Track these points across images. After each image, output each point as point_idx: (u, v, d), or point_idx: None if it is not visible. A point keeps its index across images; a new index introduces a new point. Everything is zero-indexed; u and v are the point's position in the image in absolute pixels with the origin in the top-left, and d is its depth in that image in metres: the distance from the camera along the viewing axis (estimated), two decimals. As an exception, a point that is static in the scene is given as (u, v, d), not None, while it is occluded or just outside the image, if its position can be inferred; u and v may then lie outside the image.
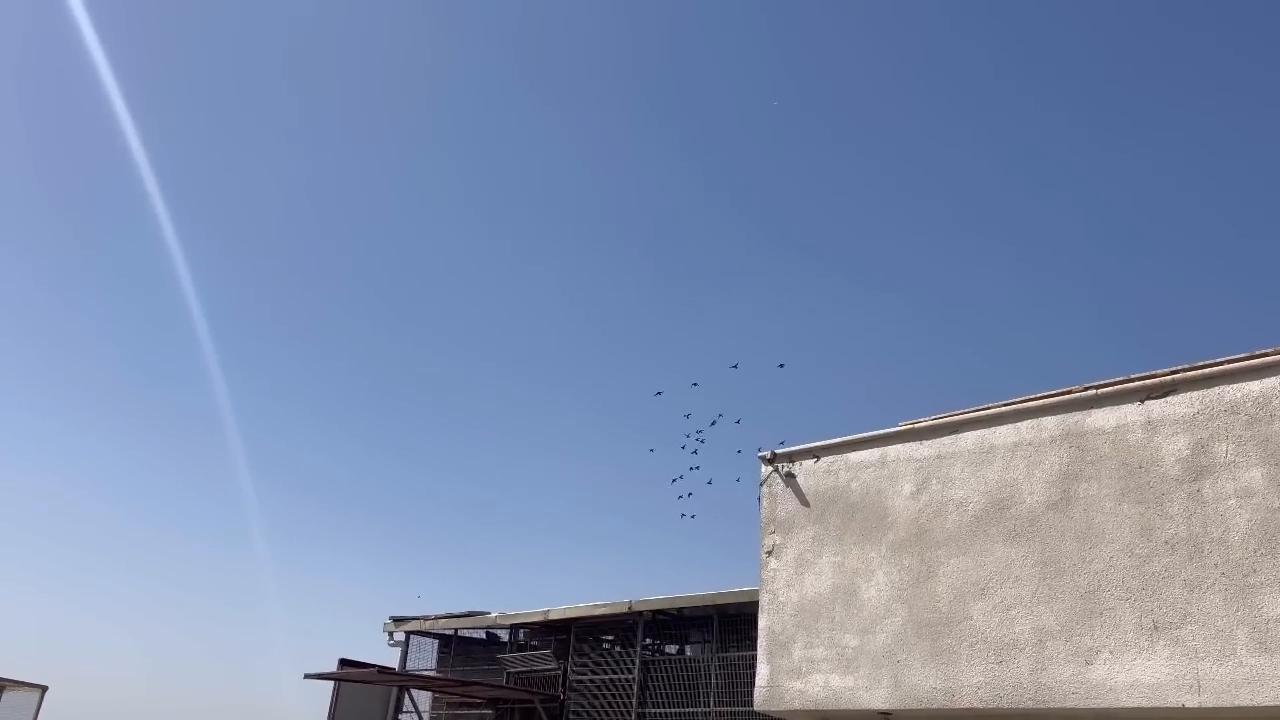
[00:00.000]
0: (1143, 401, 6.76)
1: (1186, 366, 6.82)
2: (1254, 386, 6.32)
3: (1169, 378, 6.74)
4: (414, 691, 18.14)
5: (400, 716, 19.44)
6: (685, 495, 18.55)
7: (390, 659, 19.42)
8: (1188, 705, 5.94)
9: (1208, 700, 5.87)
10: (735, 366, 22.11)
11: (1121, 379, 7.08)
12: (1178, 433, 6.52)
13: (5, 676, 21.07)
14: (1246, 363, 6.48)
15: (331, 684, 18.71)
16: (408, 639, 19.73)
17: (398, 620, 19.75)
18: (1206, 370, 6.62)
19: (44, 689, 20.93)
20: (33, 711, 20.69)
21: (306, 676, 16.67)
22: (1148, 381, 6.84)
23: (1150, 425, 6.65)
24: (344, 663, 16.67)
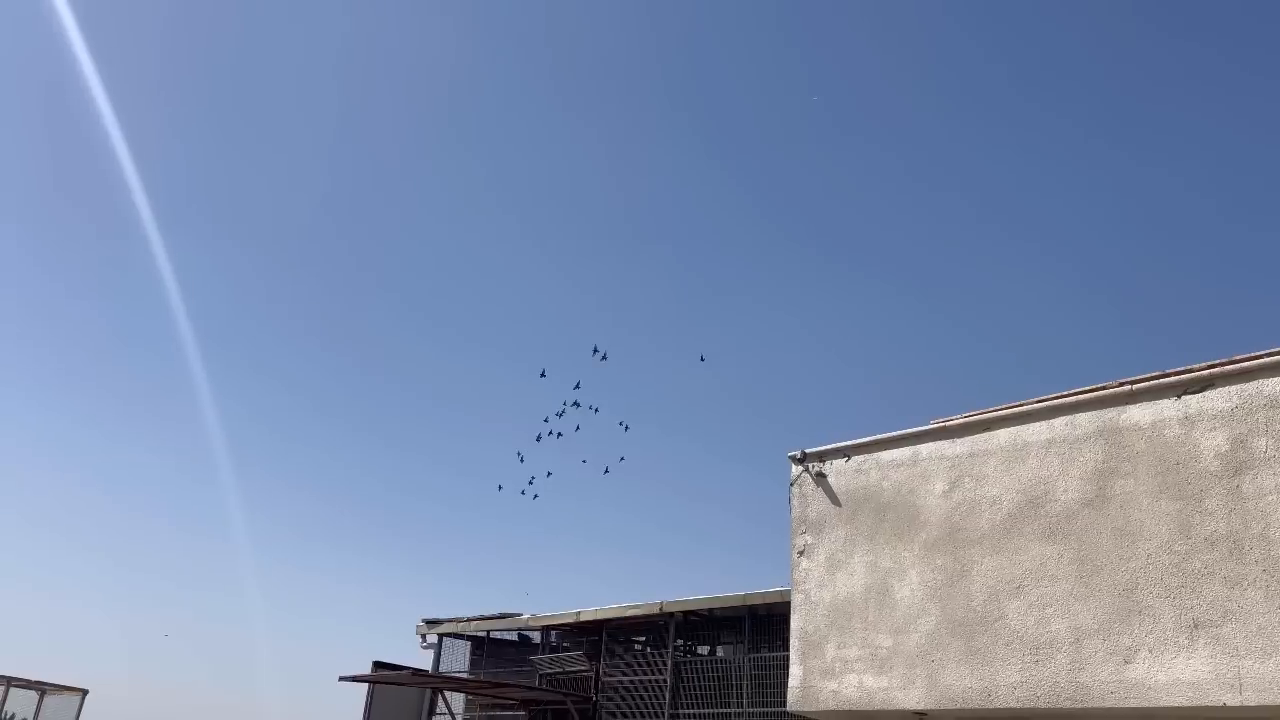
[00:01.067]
0: (1180, 396, 6.66)
1: (1224, 361, 6.71)
2: (1294, 380, 6.21)
3: (1206, 372, 6.64)
4: (447, 693, 18.23)
5: (434, 718, 19.55)
6: (530, 484, 18.93)
7: (423, 661, 19.54)
8: (1229, 704, 5.85)
9: (1250, 699, 5.77)
10: (600, 354, 19.86)
11: (1158, 374, 6.98)
12: (1216, 428, 6.42)
13: (47, 681, 21.42)
14: (1286, 356, 6.36)
15: (366, 686, 18.85)
16: (440, 641, 19.84)
17: (430, 622, 19.86)
18: (1245, 364, 6.51)
19: (84, 692, 21.24)
20: (74, 714, 21.00)
21: (341, 679, 16.80)
22: (1185, 376, 6.74)
23: (1188, 420, 6.56)
24: (378, 665, 16.79)
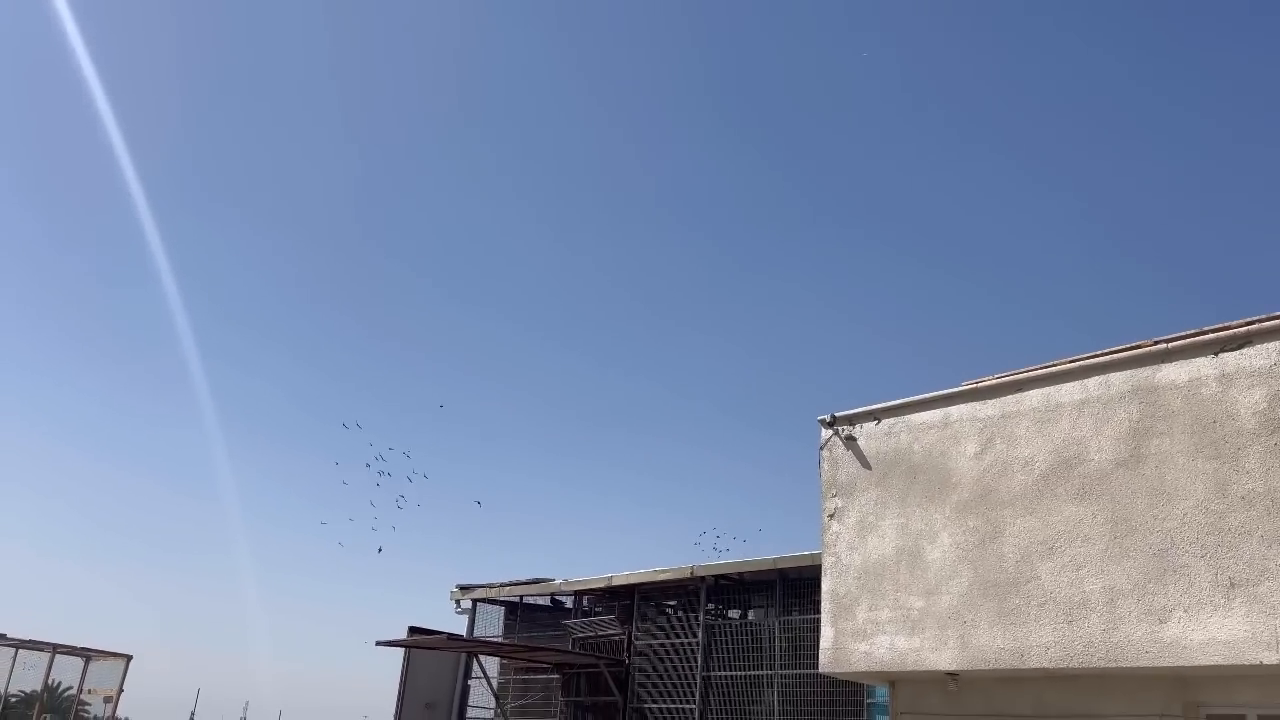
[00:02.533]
0: (1216, 354, 6.56)
1: (1262, 317, 6.59)
2: (1335, 336, 6.10)
3: (1244, 329, 6.53)
4: (482, 657, 18.46)
5: (469, 682, 19.82)
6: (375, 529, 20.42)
7: (458, 626, 19.78)
8: (1266, 662, 5.81)
9: (1288, 658, 5.73)
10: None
11: (1193, 331, 6.88)
12: (1254, 385, 6.33)
13: (91, 647, 21.90)
14: (1326, 311, 6.24)
15: (403, 651, 19.12)
16: (474, 606, 20.05)
17: (464, 588, 20.07)
18: (1283, 320, 6.40)
19: (129, 658, 21.70)
20: (119, 680, 21.47)
21: (378, 644, 17.05)
22: (1221, 334, 6.63)
23: (1225, 378, 6.46)
24: (413, 630, 17.00)
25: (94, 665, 21.72)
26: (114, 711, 21.91)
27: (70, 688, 22.04)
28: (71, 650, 21.69)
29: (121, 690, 21.54)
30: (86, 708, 21.91)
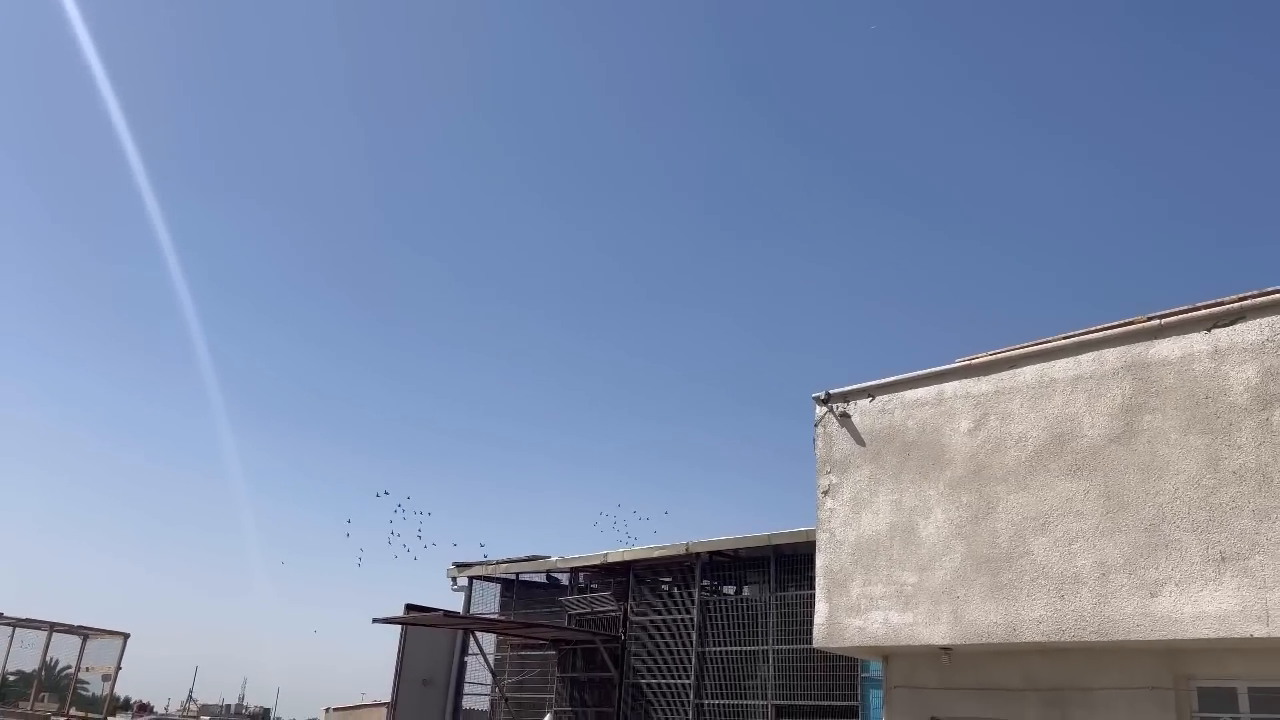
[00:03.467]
0: (1209, 330, 6.58)
1: (1255, 293, 6.61)
2: (1327, 311, 6.12)
3: (1236, 305, 6.55)
4: (478, 634, 18.55)
5: (466, 658, 19.93)
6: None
7: (454, 604, 19.86)
8: (1256, 635, 5.86)
9: (1277, 629, 5.79)
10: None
11: (1186, 307, 6.89)
12: (1246, 361, 6.35)
13: (89, 625, 21.98)
14: (1319, 287, 6.26)
15: (399, 628, 19.21)
16: (471, 584, 20.13)
17: (461, 566, 20.14)
18: (1276, 296, 6.41)
19: (126, 636, 21.78)
20: (117, 656, 21.56)
21: (375, 621, 17.12)
22: (1214, 309, 6.65)
23: (1217, 354, 6.49)
24: (410, 608, 17.07)
25: (91, 643, 21.79)
26: (112, 689, 22.02)
27: (68, 666, 22.12)
28: (69, 628, 21.76)
29: (119, 668, 21.63)
30: (85, 685, 22.00)
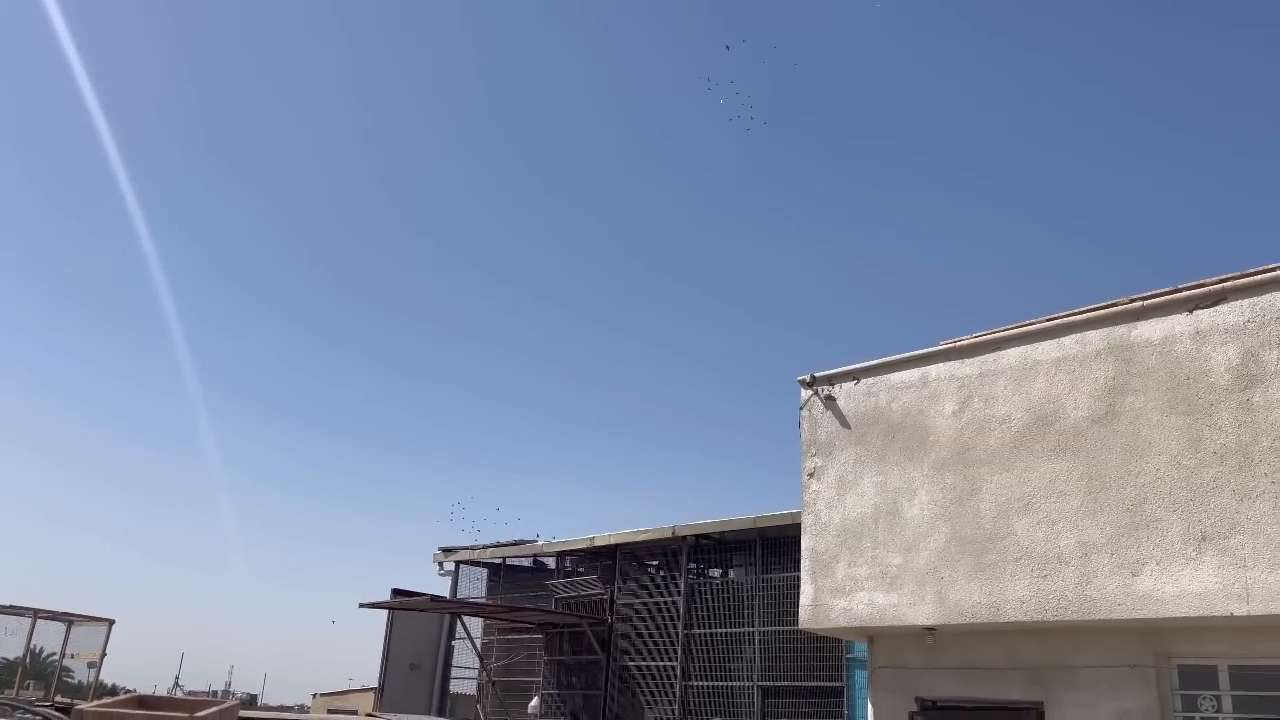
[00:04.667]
0: (1191, 311, 6.62)
1: (1236, 275, 6.65)
2: (1307, 292, 6.16)
3: (1218, 286, 6.59)
4: (465, 618, 18.57)
5: (453, 642, 19.96)
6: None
7: (441, 588, 19.87)
8: (1236, 614, 5.92)
9: (1257, 608, 5.84)
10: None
11: (1169, 290, 6.93)
12: (1227, 342, 6.39)
13: (73, 612, 21.87)
14: (1299, 268, 6.30)
15: (386, 612, 19.22)
16: (457, 568, 20.15)
17: (447, 550, 20.15)
18: (1257, 277, 6.45)
19: (111, 622, 21.69)
20: (102, 643, 21.48)
21: (361, 606, 17.11)
22: (1196, 291, 6.68)
23: (1199, 335, 6.53)
24: (396, 592, 17.07)
25: (76, 630, 21.68)
26: (97, 676, 21.95)
27: (53, 653, 22.03)
28: (53, 615, 21.65)
29: (105, 654, 21.55)
30: (70, 673, 21.92)
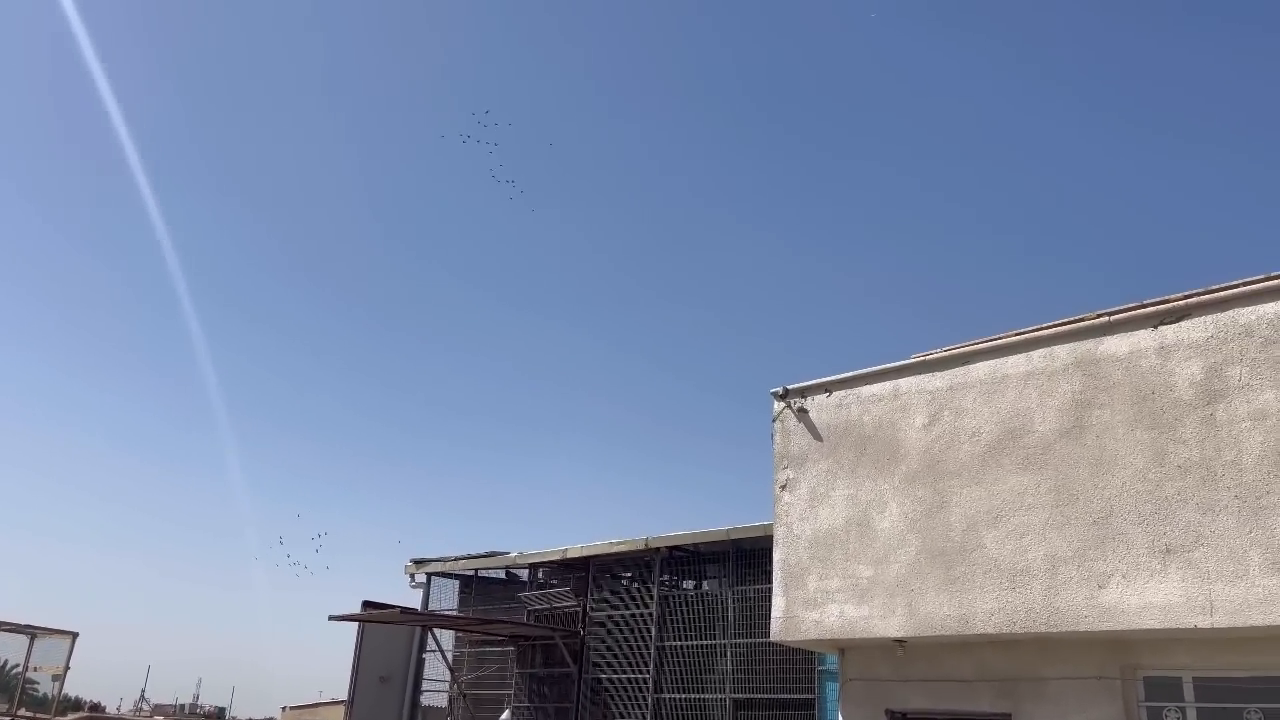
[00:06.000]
0: (1156, 327, 6.71)
1: (1200, 290, 6.75)
2: (1269, 309, 6.27)
3: (1182, 302, 6.69)
4: (436, 631, 18.44)
5: (424, 655, 19.81)
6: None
7: (412, 600, 19.72)
8: (1200, 626, 6.00)
9: (1220, 621, 5.92)
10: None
11: (1134, 305, 7.03)
12: (1191, 357, 6.48)
13: (36, 625, 21.53)
14: (1261, 285, 6.41)
15: (356, 625, 19.04)
16: (429, 580, 20.00)
17: (419, 562, 20.01)
18: (1221, 293, 6.56)
19: (75, 635, 21.38)
20: (65, 655, 21.16)
21: (331, 618, 16.95)
22: (1161, 307, 6.78)
23: (1164, 350, 6.62)
24: (367, 604, 16.93)
25: (39, 643, 21.34)
26: (60, 689, 21.61)
27: (16, 665, 21.68)
28: (15, 628, 21.31)
29: (68, 667, 21.24)
30: (34, 685, 21.57)
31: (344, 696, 20.19)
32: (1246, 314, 6.34)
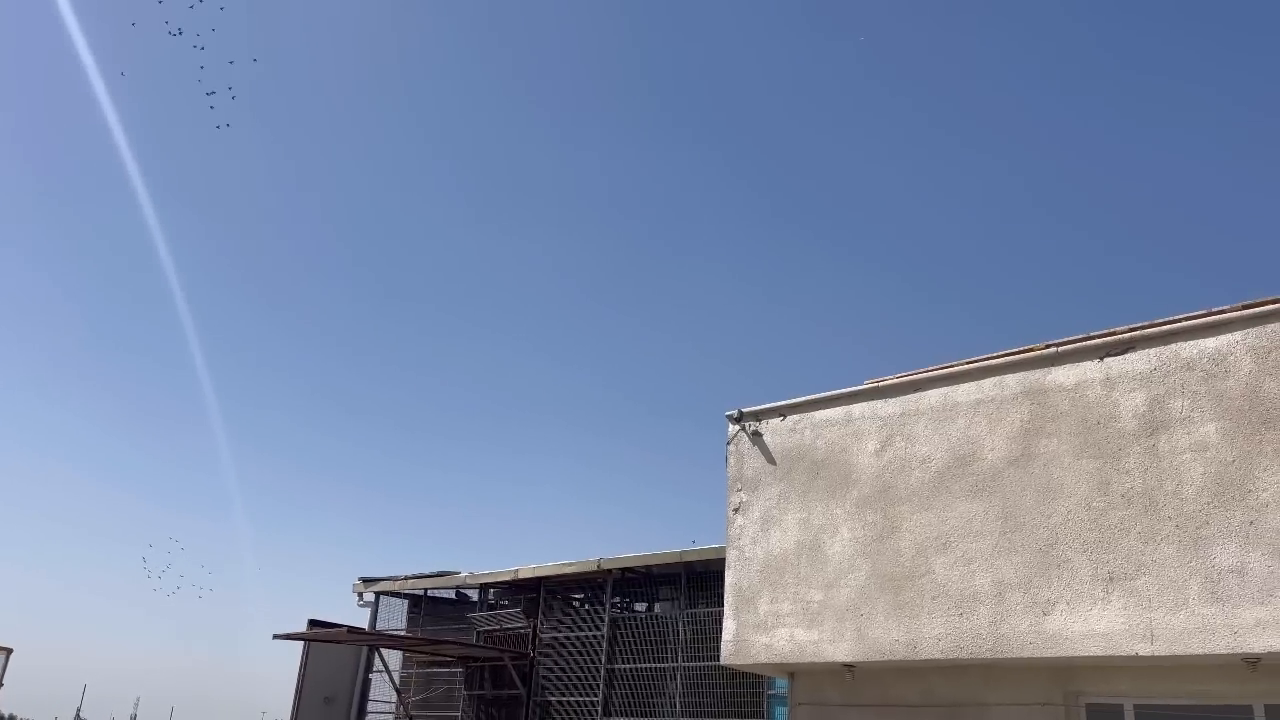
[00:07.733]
0: (1102, 359, 6.86)
1: (1144, 324, 6.92)
2: (1209, 343, 6.44)
3: (1127, 335, 6.84)
4: (384, 651, 18.19)
5: (370, 675, 19.52)
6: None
7: (360, 619, 19.45)
8: (1141, 653, 6.10)
9: (1160, 649, 6.03)
10: None
11: (1081, 336, 7.19)
12: (1135, 389, 6.63)
13: (-31, 641, 20.88)
14: (1202, 320, 6.58)
15: (302, 644, 18.73)
16: (377, 599, 19.74)
17: (367, 581, 19.74)
18: (1164, 327, 6.72)
19: (9, 651, 20.78)
20: (-1, 673, 20.55)
21: (275, 637, 16.65)
22: (1107, 339, 6.94)
23: (1109, 382, 6.76)
24: (313, 623, 16.68)
25: (-30, 659, 20.71)
26: (-7, 707, 20.94)
27: (-54, 682, 20.98)
28: (-53, 644, 20.65)
29: (1, 684, 20.63)
30: (-35, 703, 20.90)
31: (287, 717, 19.80)
32: (1188, 348, 6.51)
